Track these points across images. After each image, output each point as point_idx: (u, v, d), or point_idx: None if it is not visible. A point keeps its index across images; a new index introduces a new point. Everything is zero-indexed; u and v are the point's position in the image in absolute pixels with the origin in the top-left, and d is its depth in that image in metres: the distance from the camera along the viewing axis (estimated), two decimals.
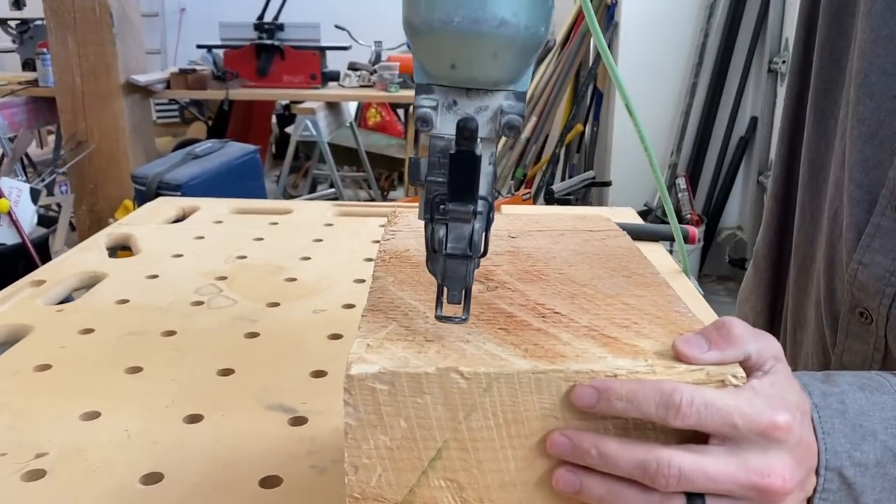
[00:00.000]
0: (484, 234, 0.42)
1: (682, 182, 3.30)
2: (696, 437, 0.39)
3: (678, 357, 0.40)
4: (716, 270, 3.46)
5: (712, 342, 0.40)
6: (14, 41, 3.84)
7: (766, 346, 0.41)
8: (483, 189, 0.41)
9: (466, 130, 0.38)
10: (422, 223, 0.57)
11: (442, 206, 0.41)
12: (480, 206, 0.41)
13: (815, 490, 0.42)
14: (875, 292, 0.54)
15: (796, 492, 0.40)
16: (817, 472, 0.42)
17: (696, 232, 1.25)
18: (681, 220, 2.96)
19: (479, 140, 0.40)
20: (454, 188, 0.40)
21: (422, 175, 0.42)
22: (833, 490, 0.42)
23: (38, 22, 3.61)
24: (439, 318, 0.43)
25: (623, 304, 0.48)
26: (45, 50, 3.31)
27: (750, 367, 0.40)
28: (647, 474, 0.37)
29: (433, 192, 0.41)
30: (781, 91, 3.12)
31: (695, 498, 0.38)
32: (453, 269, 0.42)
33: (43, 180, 2.85)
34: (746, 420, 0.38)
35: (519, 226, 0.65)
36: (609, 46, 3.34)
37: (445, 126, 0.41)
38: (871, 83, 0.54)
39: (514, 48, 0.38)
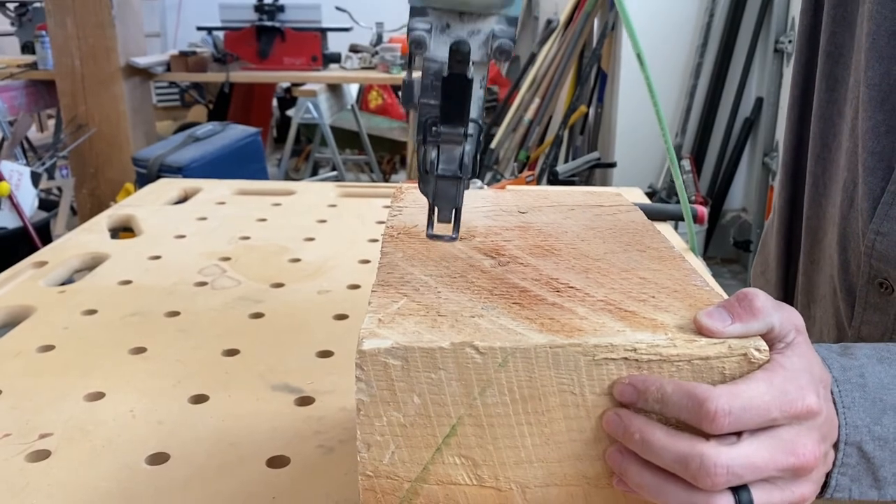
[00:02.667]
0: (474, 156, 0.43)
1: (686, 164, 3.27)
2: None
3: (701, 331, 0.39)
4: (720, 252, 3.45)
5: (735, 315, 0.39)
6: (13, 24, 3.80)
7: (787, 317, 0.40)
8: (474, 112, 0.42)
9: (459, 54, 0.39)
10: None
11: (434, 129, 0.42)
12: (471, 128, 0.42)
13: (833, 464, 0.42)
14: None
15: (820, 466, 0.39)
16: (836, 446, 0.41)
17: (705, 212, 1.24)
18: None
19: (471, 63, 0.40)
20: (446, 111, 0.41)
21: (414, 97, 0.42)
22: (852, 464, 0.42)
23: (37, 4, 3.57)
24: (430, 237, 0.45)
25: (639, 278, 0.46)
26: (43, 32, 3.28)
27: (772, 339, 0.39)
28: (688, 471, 0.36)
29: (426, 114, 0.42)
30: (787, 71, 3.09)
31: (741, 492, 0.36)
32: (444, 189, 0.43)
33: (43, 164, 2.83)
34: (783, 411, 0.37)
35: (528, 201, 0.63)
36: (612, 27, 3.31)
37: (439, 49, 0.41)
38: (880, 46, 0.53)
39: None
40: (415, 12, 0.41)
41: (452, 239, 0.45)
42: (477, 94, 0.42)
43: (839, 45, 0.60)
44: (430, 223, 0.45)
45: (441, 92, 0.41)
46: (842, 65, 0.60)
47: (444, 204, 0.44)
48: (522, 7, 0.44)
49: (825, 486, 0.42)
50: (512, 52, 0.41)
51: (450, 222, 0.45)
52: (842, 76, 0.60)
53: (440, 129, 0.42)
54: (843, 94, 0.60)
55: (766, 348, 0.38)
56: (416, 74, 0.44)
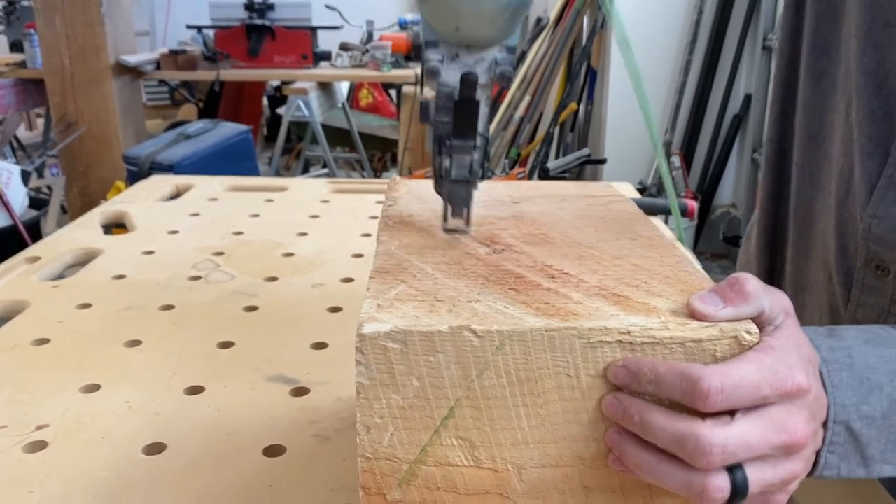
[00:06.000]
0: (481, 163, 0.50)
1: (676, 160, 3.29)
2: None
3: (693, 315, 0.39)
4: (710, 248, 3.47)
5: (727, 299, 0.39)
6: (1, 22, 3.78)
7: (777, 300, 0.41)
8: (480, 127, 0.49)
9: (468, 82, 0.46)
10: (422, 190, 0.63)
11: (447, 141, 0.49)
12: (479, 141, 0.49)
13: (822, 442, 0.42)
14: (893, 244, 0.54)
15: (811, 444, 0.40)
16: (825, 426, 0.42)
17: (695, 206, 1.25)
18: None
19: (478, 87, 0.47)
20: (457, 127, 0.48)
21: (430, 116, 0.49)
22: (840, 443, 0.43)
23: (26, 3, 3.56)
24: (446, 230, 0.51)
25: (631, 264, 0.47)
26: (32, 31, 3.26)
27: (762, 322, 0.40)
28: (684, 451, 0.36)
29: (440, 129, 0.49)
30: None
31: (736, 471, 0.37)
32: (457, 191, 0.50)
33: (33, 163, 2.82)
34: (774, 389, 0.37)
35: (521, 192, 0.64)
36: (602, 25, 3.32)
37: (450, 75, 0.48)
38: (875, 35, 0.54)
39: (507, 14, 0.45)
40: (429, 45, 0.48)
41: (465, 231, 0.50)
42: (483, 111, 0.49)
43: (824, 38, 0.61)
44: (445, 218, 0.52)
45: (453, 112, 0.48)
46: (827, 57, 0.61)
47: (457, 202, 0.50)
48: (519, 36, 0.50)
49: (815, 464, 0.43)
50: (512, 77, 0.48)
51: (462, 218, 0.51)
52: (827, 68, 0.61)
53: (452, 143, 0.48)
54: (830, 85, 0.61)
55: (757, 331, 0.39)
56: (427, 92, 0.48)
